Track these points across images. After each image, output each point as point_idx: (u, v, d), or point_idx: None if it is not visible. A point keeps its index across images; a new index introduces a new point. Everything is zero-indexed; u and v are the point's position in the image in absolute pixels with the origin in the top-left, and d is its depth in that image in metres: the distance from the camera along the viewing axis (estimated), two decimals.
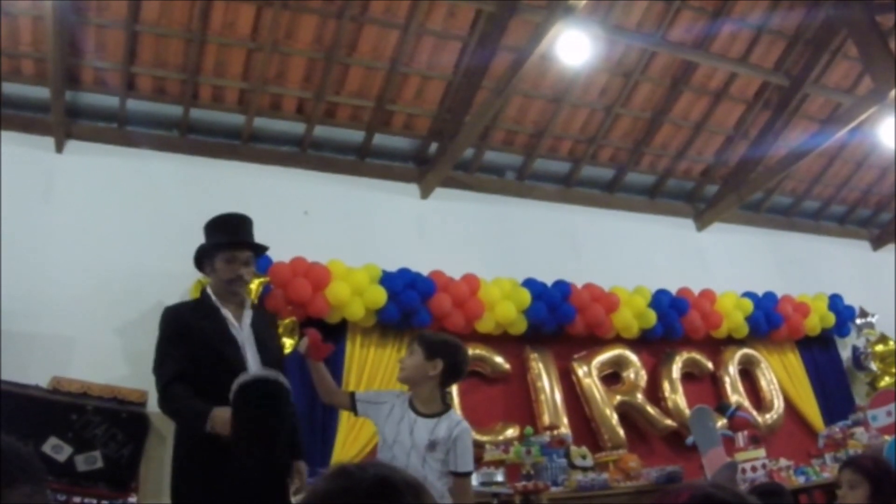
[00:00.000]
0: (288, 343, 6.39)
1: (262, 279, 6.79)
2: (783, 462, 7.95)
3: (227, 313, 3.94)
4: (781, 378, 9.38)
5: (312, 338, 3.76)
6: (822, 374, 9.82)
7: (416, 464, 3.61)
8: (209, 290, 4.05)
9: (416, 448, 3.65)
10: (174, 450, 3.88)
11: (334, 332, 7.24)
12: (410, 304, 7.37)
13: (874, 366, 9.80)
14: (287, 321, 6.77)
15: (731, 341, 9.29)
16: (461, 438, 3.71)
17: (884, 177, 11.11)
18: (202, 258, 4.10)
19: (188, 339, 3.83)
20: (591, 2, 7.26)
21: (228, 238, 4.05)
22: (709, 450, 7.23)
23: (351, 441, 6.92)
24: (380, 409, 3.83)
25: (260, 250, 4.20)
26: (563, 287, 8.23)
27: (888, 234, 11.67)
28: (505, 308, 7.78)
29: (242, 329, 3.92)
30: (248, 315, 4.00)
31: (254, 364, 3.82)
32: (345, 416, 6.85)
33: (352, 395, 3.98)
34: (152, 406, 6.10)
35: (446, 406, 3.86)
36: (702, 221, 10.35)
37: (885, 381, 9.54)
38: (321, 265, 7.10)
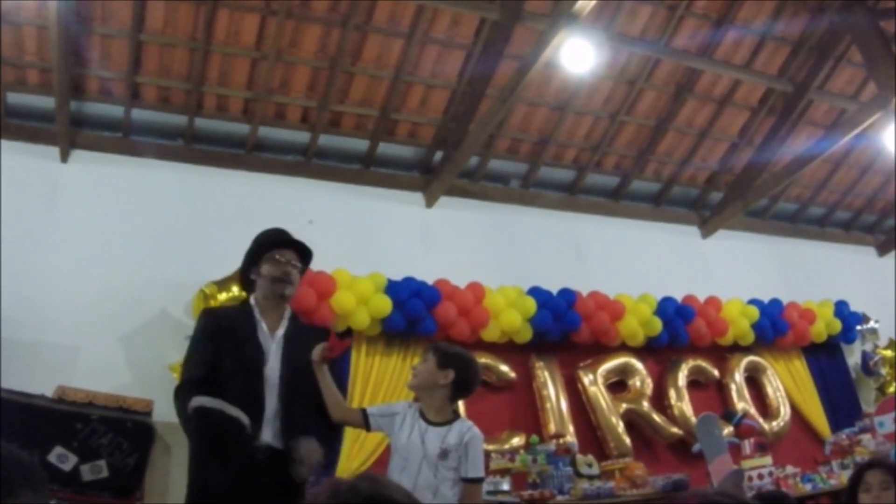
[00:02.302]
0: None
1: None
2: (790, 469, 7.93)
3: (261, 319, 3.92)
4: (787, 385, 9.35)
5: (332, 342, 3.78)
6: (828, 380, 9.79)
7: (428, 473, 3.61)
8: (252, 300, 4.03)
9: (428, 457, 3.64)
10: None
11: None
12: (416, 313, 7.36)
13: (884, 371, 9.77)
14: None
15: (737, 348, 9.26)
16: (472, 444, 3.70)
17: (888, 182, 11.07)
18: (249, 271, 4.08)
19: (216, 341, 3.82)
20: (595, 9, 7.25)
21: (273, 241, 4.08)
22: (715, 457, 7.21)
23: (356, 451, 6.91)
24: (392, 421, 3.83)
25: (306, 253, 4.16)
26: (568, 295, 8.21)
27: (893, 240, 11.64)
28: (510, 316, 7.77)
29: (274, 337, 3.90)
30: (283, 325, 3.97)
31: (272, 370, 3.79)
32: None
33: (363, 411, 3.96)
34: (157, 415, 6.14)
35: (457, 415, 3.86)
36: (707, 228, 10.33)
37: (895, 386, 9.51)
38: (326, 274, 7.09)
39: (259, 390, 3.71)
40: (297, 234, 4.21)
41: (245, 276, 4.14)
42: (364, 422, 3.89)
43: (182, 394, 3.68)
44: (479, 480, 3.77)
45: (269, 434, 3.65)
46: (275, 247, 4.04)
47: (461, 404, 7.18)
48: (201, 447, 3.65)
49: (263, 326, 3.90)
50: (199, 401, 3.48)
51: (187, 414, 3.56)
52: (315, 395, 3.81)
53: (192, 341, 3.93)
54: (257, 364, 3.77)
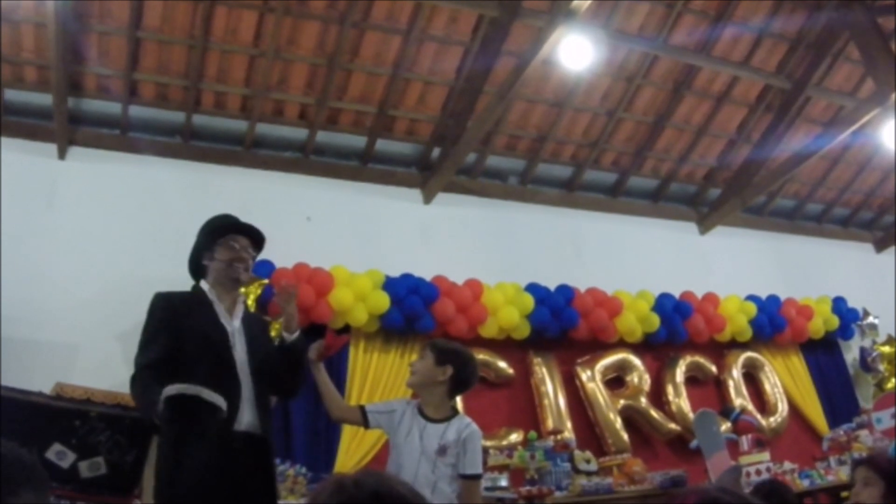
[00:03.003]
0: None
1: (261, 281, 6.79)
2: (787, 465, 7.94)
3: (219, 308, 3.84)
4: (785, 381, 9.36)
5: (329, 339, 3.79)
6: (826, 377, 9.80)
7: (426, 470, 3.62)
8: (203, 285, 3.94)
9: (426, 454, 3.66)
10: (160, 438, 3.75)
11: None
12: (414, 310, 7.37)
13: (882, 367, 9.78)
14: (278, 324, 6.74)
15: (735, 345, 9.28)
16: (470, 440, 3.71)
17: (886, 179, 11.08)
18: (200, 256, 3.98)
19: (175, 325, 3.69)
20: (593, 6, 7.25)
21: (227, 222, 4.02)
22: (713, 454, 7.22)
23: (354, 447, 6.92)
24: (391, 418, 3.84)
25: (259, 239, 4.09)
26: (566, 291, 8.22)
27: (891, 236, 11.65)
28: (508, 313, 7.78)
29: (233, 321, 3.84)
30: (240, 310, 3.91)
31: (241, 354, 3.73)
32: None
33: (361, 408, 3.97)
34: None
35: (455, 411, 3.87)
36: (705, 225, 10.34)
37: (893, 382, 9.52)
38: (324, 271, 7.10)
39: (233, 372, 3.65)
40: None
41: (195, 262, 4.03)
42: (363, 419, 3.90)
43: (141, 379, 3.55)
44: (477, 477, 3.77)
45: (247, 415, 3.59)
46: (229, 232, 3.97)
47: (459, 402, 7.22)
48: (173, 434, 3.52)
49: (222, 310, 3.83)
50: (173, 388, 3.31)
51: (148, 400, 3.41)
52: (275, 383, 3.80)
53: (147, 325, 3.77)
54: (225, 347, 3.70)
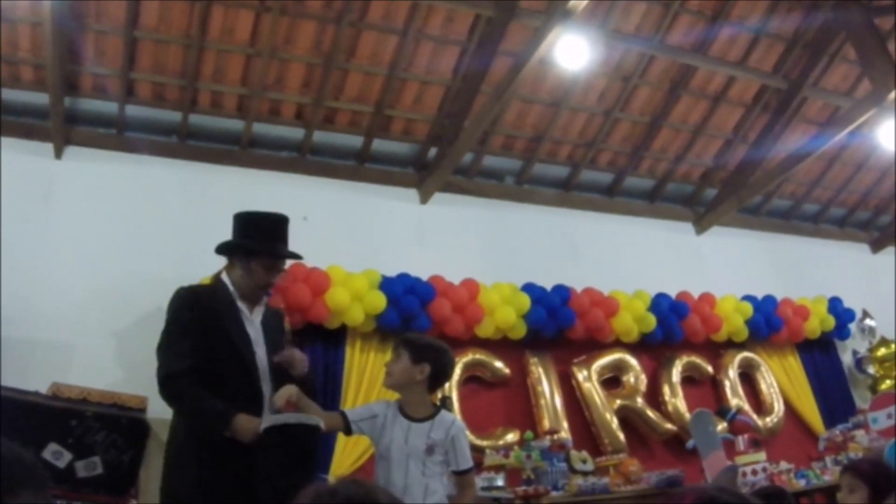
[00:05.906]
0: None
1: None
2: (784, 465, 7.96)
3: (242, 306, 3.83)
4: (782, 381, 9.37)
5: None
6: (822, 377, 9.81)
7: (416, 471, 3.61)
8: (226, 280, 3.87)
9: (414, 455, 3.64)
10: (169, 445, 3.79)
11: (334, 338, 7.27)
12: (410, 310, 7.36)
13: (871, 370, 9.81)
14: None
15: (731, 345, 9.28)
16: (458, 437, 3.74)
17: (883, 179, 11.10)
18: (236, 250, 3.89)
19: (203, 328, 3.66)
20: (589, 6, 7.25)
21: (274, 246, 3.92)
22: (709, 453, 7.23)
23: (350, 447, 6.91)
24: (374, 423, 3.78)
25: (294, 258, 4.15)
26: (562, 291, 8.22)
27: (887, 236, 11.67)
28: (505, 313, 7.78)
29: (254, 320, 3.85)
30: (259, 311, 3.90)
31: (262, 359, 3.75)
32: None
33: (342, 414, 3.87)
34: (152, 412, 6.11)
35: (437, 408, 3.85)
36: (701, 225, 10.34)
37: (886, 384, 9.53)
38: (320, 271, 7.08)
39: (256, 382, 3.70)
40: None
41: (227, 248, 3.93)
42: (344, 425, 3.80)
43: (183, 388, 3.59)
44: (471, 469, 3.81)
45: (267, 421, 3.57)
46: (275, 254, 3.93)
47: (455, 402, 7.26)
48: (206, 445, 3.57)
49: (246, 312, 3.84)
50: (271, 420, 3.45)
51: (213, 414, 3.52)
52: (293, 379, 3.76)
53: (173, 324, 3.74)
54: (249, 354, 3.73)
